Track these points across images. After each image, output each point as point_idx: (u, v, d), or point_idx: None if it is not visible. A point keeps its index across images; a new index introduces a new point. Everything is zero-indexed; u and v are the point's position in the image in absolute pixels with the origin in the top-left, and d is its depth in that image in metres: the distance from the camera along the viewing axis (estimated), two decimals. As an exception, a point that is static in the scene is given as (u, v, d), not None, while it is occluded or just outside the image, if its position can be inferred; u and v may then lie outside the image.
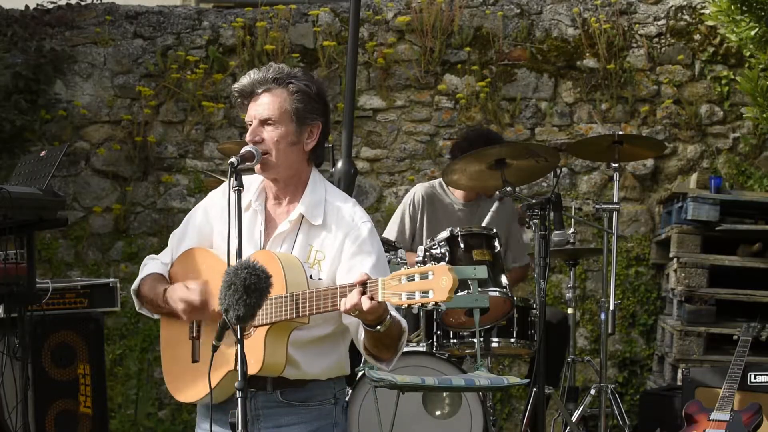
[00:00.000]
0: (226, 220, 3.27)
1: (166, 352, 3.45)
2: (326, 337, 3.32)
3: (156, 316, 3.53)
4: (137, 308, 3.55)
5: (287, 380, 3.29)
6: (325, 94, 3.45)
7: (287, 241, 3.35)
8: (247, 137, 3.34)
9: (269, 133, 3.33)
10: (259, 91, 3.34)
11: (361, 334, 3.22)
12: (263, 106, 3.33)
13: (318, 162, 3.46)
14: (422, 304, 2.89)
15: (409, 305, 2.92)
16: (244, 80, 3.37)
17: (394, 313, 3.19)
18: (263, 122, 3.33)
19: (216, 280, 3.15)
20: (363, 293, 3.01)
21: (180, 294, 3.34)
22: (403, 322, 3.25)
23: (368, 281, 3.01)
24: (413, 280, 2.91)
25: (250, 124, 3.36)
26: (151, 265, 3.51)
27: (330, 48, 7.29)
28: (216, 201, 3.50)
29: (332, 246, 3.31)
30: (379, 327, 3.11)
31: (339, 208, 3.37)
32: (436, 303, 2.87)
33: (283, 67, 3.37)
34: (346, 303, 3.03)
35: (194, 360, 3.34)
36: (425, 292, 2.88)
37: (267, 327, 3.17)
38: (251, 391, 3.28)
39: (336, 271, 3.29)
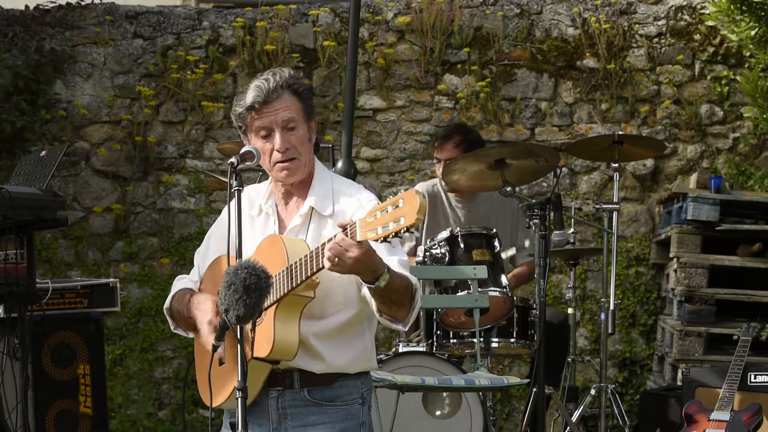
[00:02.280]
0: (244, 226, 3.30)
1: (199, 362, 3.46)
2: (350, 325, 3.33)
3: (191, 335, 3.52)
4: (172, 328, 3.55)
5: (314, 377, 3.29)
6: None
7: (300, 235, 3.38)
8: (278, 146, 3.32)
9: (295, 137, 3.35)
10: (273, 98, 3.34)
11: (372, 298, 3.22)
12: (282, 111, 3.33)
13: (316, 152, 3.49)
14: (396, 233, 2.89)
15: (385, 237, 2.91)
16: (255, 92, 3.33)
17: (399, 270, 3.20)
18: (286, 128, 3.34)
19: None
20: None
21: (204, 329, 3.34)
22: (413, 279, 3.25)
23: (348, 225, 3.02)
24: (386, 212, 2.92)
25: (265, 136, 3.34)
26: (180, 283, 3.55)
27: (330, 48, 7.29)
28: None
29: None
30: (378, 282, 3.10)
31: (346, 194, 3.40)
32: (408, 229, 2.86)
33: (283, 71, 3.39)
34: (326, 249, 3.03)
35: (221, 362, 3.35)
36: (397, 220, 2.88)
37: (275, 306, 3.18)
38: (278, 390, 3.31)
39: None
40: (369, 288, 3.14)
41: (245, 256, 3.13)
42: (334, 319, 3.30)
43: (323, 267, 3.07)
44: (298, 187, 3.43)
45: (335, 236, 3.02)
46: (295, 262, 3.14)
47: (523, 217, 5.84)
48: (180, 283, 3.55)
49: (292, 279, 3.14)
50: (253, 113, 3.35)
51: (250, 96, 3.34)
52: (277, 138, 3.33)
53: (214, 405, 3.35)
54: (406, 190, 2.97)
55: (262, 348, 3.15)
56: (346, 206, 3.37)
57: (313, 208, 3.38)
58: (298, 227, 3.38)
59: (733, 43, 6.87)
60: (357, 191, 3.42)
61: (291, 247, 3.21)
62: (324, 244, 3.07)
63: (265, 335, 3.17)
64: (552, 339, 5.35)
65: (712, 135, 7.35)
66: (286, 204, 3.45)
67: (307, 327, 3.24)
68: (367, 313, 3.32)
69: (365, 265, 3.06)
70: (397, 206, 2.89)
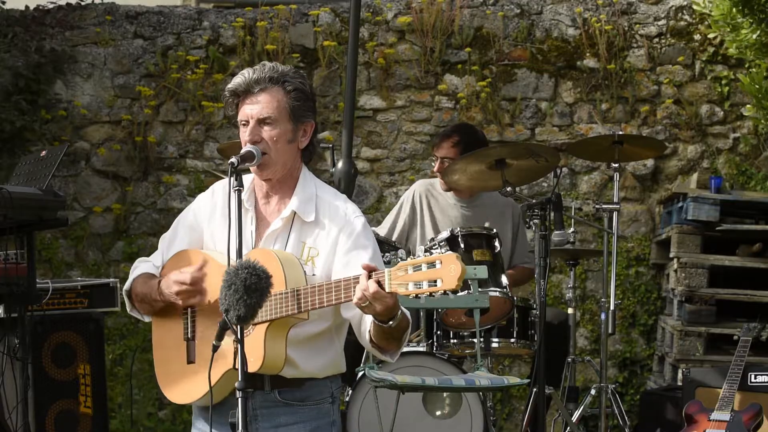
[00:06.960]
0: (218, 220, 3.32)
1: (159, 353, 3.44)
2: (321, 334, 3.32)
3: (147, 318, 3.50)
4: (128, 310, 3.52)
5: (285, 379, 3.28)
6: (314, 93, 3.46)
7: (280, 239, 3.35)
8: (246, 137, 3.31)
9: (267, 133, 3.31)
10: (255, 90, 3.32)
11: (366, 326, 3.22)
12: (261, 105, 3.31)
13: (307, 160, 3.46)
14: (431, 293, 2.88)
15: (416, 295, 2.90)
16: (239, 79, 3.34)
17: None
18: (261, 121, 3.32)
19: (209, 276, 3.23)
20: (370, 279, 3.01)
21: (174, 277, 3.31)
22: (408, 314, 3.25)
23: (375, 272, 3.00)
24: (420, 269, 2.90)
25: (245, 124, 3.34)
26: (143, 266, 3.50)
27: (330, 48, 7.29)
28: (204, 203, 3.50)
29: (326, 242, 3.31)
30: (391, 322, 3.10)
31: (331, 204, 3.37)
32: (445, 291, 2.86)
33: (278, 66, 3.37)
34: (358, 292, 3.02)
35: (190, 361, 3.33)
36: (433, 281, 2.87)
37: (267, 324, 3.17)
38: (248, 391, 3.29)
39: (331, 267, 3.30)
40: (380, 325, 3.13)
41: (218, 249, 3.11)
42: (307, 329, 3.28)
43: (336, 304, 3.09)
44: (279, 189, 3.39)
45: (367, 283, 2.99)
46: (304, 290, 3.12)
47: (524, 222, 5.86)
48: (143, 265, 3.49)
49: (298, 305, 3.12)
50: (237, 100, 3.35)
51: (234, 82, 3.34)
52: (248, 128, 3.32)
53: (182, 402, 3.36)
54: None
55: (250, 363, 3.11)
56: (332, 218, 3.34)
57: (295, 212, 3.35)
58: (278, 231, 3.35)
59: (734, 53, 6.85)
60: (342, 202, 3.39)
61: (288, 267, 3.18)
62: (341, 281, 3.06)
63: (255, 351, 3.16)
64: (552, 339, 5.35)
65: (713, 135, 7.35)
66: (267, 205, 3.42)
67: None
68: (337, 324, 3.32)
69: (384, 307, 3.05)
70: (433, 266, 2.87)
